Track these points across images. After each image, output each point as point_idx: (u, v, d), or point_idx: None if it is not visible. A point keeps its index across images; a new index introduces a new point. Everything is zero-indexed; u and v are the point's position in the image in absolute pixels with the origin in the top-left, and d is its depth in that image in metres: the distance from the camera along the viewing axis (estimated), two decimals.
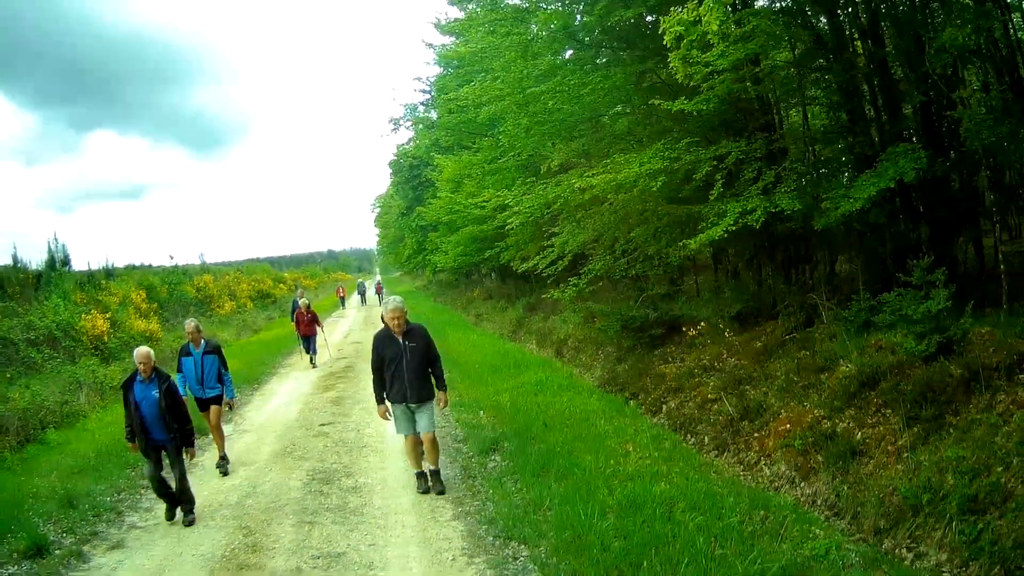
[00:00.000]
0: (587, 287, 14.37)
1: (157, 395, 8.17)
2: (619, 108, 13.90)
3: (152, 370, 8.23)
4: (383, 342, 8.57)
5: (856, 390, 8.34)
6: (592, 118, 13.27)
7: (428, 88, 35.46)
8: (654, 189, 10.39)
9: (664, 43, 8.31)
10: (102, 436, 12.36)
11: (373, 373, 8.77)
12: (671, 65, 8.63)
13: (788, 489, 7.87)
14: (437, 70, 31.95)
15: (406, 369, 8.38)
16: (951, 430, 6.96)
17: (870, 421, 7.97)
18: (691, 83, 9.30)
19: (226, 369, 10.63)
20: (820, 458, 7.82)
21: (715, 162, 10.26)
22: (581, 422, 10.48)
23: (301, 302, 20.67)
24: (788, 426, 8.52)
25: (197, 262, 55.55)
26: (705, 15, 7.30)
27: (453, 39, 25.92)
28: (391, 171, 51.42)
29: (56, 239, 40.67)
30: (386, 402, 8.60)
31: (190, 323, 10.62)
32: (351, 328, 31.56)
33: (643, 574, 5.62)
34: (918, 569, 5.97)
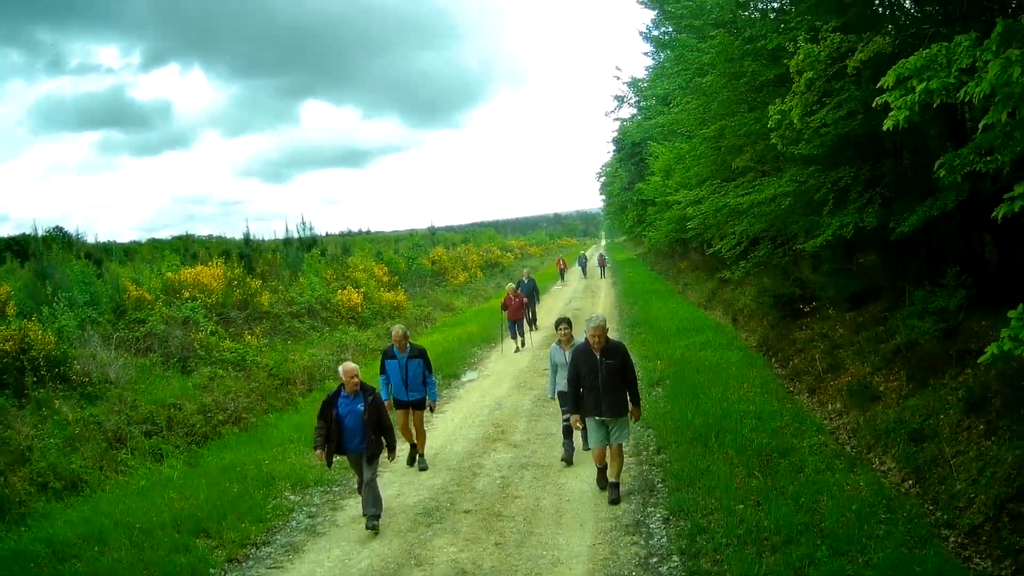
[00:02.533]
0: (755, 268, 18.64)
1: (362, 408, 8.75)
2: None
3: (358, 384, 8.84)
4: (581, 357, 9.07)
5: (891, 357, 12.08)
6: (747, 145, 17.02)
7: (650, 68, 35.74)
8: (783, 207, 14.44)
9: (769, 124, 12.32)
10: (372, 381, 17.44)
11: (569, 385, 9.29)
12: (772, 140, 12.71)
13: (833, 419, 11.84)
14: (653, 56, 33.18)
15: (601, 385, 8.84)
16: (930, 387, 10.42)
17: (892, 378, 11.54)
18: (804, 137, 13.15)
19: (431, 372, 11.22)
20: (854, 401, 11.81)
21: (831, 185, 13.80)
22: (723, 369, 14.88)
23: (509, 287, 21.41)
24: (849, 378, 12.54)
25: (425, 228, 60.79)
26: (792, 108, 11.32)
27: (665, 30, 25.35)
28: (614, 147, 55.12)
29: (304, 221, 47.06)
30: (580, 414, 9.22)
31: (398, 330, 11.26)
32: (573, 295, 36.22)
33: (707, 434, 10.50)
34: (876, 470, 9.28)
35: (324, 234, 37.96)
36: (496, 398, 14.91)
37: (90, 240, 31.65)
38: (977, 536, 7.17)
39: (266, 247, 33.51)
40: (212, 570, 7.81)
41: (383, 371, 11.08)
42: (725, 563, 6.91)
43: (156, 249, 34.23)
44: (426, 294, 34.00)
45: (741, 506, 8.04)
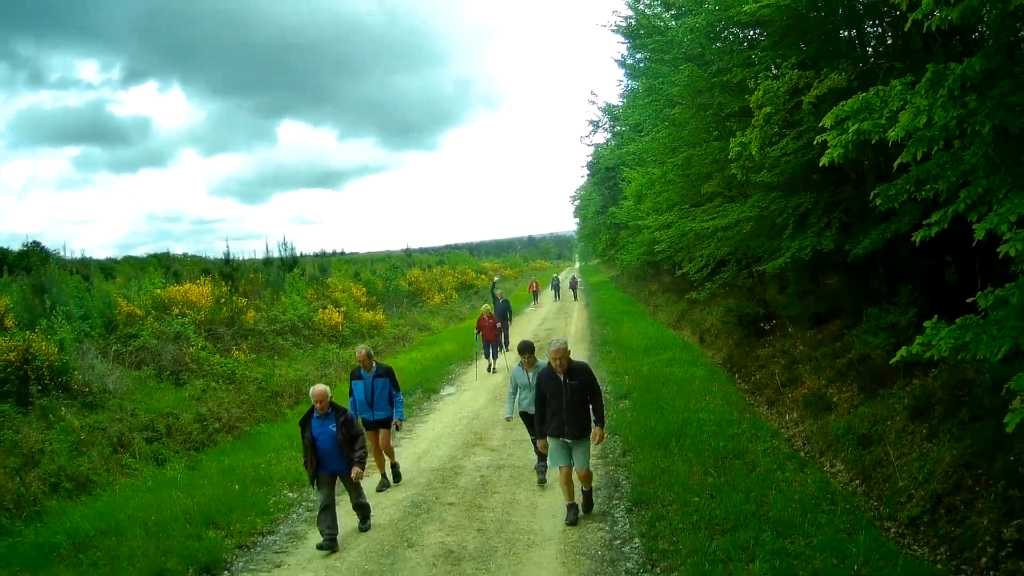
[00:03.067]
0: (721, 288, 19.72)
1: (335, 429, 8.85)
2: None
3: (329, 406, 8.97)
4: (545, 380, 9.12)
5: (845, 370, 13.02)
6: (715, 172, 17.92)
7: (623, 94, 36.70)
8: (745, 231, 15.43)
9: (729, 155, 13.31)
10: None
11: (536, 408, 9.39)
12: (733, 170, 13.72)
13: (789, 427, 12.78)
14: (626, 83, 34.17)
15: (565, 407, 8.89)
16: (879, 397, 11.40)
17: (845, 390, 12.50)
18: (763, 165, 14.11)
19: (397, 390, 11.26)
20: (809, 411, 12.76)
21: (791, 210, 14.68)
22: (688, 383, 15.85)
23: (484, 308, 21.59)
24: (805, 391, 13.50)
25: (399, 249, 61.62)
26: (751, 141, 12.31)
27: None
28: (588, 171, 56.36)
29: (285, 240, 47.76)
30: (546, 438, 9.24)
31: (361, 350, 11.33)
32: (546, 316, 37.26)
33: (668, 439, 11.46)
34: (826, 472, 10.22)
35: (299, 254, 38.33)
36: (474, 410, 15.80)
37: (66, 256, 31.71)
38: (916, 527, 8.04)
39: (246, 266, 34.00)
40: (225, 554, 8.67)
41: (351, 392, 11.15)
42: (680, 544, 7.84)
43: (135, 266, 34.47)
44: (403, 314, 34.77)
45: (696, 498, 8.95)
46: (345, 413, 9.13)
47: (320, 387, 9.07)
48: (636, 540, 8.36)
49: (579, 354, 21.36)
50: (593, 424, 9.09)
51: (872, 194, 8.17)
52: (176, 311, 21.46)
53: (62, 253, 30.94)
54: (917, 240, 6.65)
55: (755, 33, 15.33)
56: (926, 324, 6.18)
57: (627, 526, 8.85)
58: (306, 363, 21.50)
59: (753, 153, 12.31)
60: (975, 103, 5.87)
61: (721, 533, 7.94)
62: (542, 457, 10.37)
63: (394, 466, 11.38)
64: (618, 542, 8.43)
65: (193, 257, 39.70)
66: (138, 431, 13.75)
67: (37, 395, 14.01)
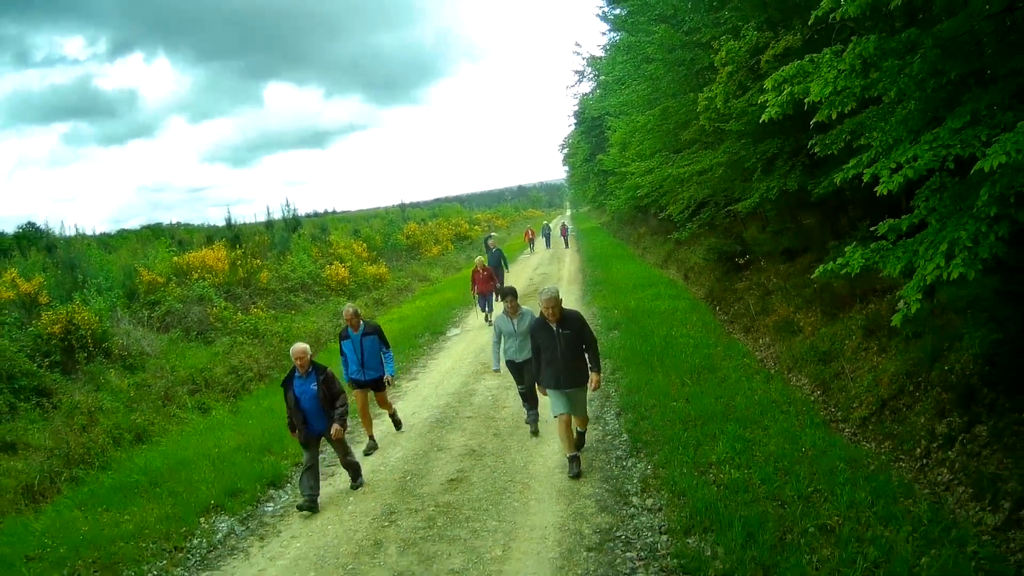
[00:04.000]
0: (701, 228, 21.28)
1: (315, 387, 8.89)
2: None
3: (309, 364, 8.99)
4: (538, 330, 9.16)
5: (811, 298, 14.50)
6: (692, 122, 19.27)
7: (606, 47, 36.86)
8: (718, 175, 16.92)
9: (698, 109, 14.73)
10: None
11: (533, 358, 9.47)
12: (700, 120, 15.19)
13: (762, 350, 14.26)
14: (610, 36, 34.55)
15: (560, 356, 8.93)
16: (839, 320, 12.79)
17: (810, 315, 13.84)
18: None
19: (387, 347, 11.15)
20: (779, 335, 14.27)
21: (759, 156, 16.13)
22: (671, 315, 17.57)
23: (478, 260, 21.17)
24: (776, 318, 15.06)
25: (391, 205, 62.54)
26: (716, 96, 13.71)
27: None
28: (575, 120, 57.40)
29: (288, 204, 48.86)
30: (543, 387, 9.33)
31: (348, 309, 11.22)
32: (540, 262, 38.84)
33: (652, 359, 13.15)
34: (792, 385, 11.54)
35: (272, 219, 39.57)
36: (479, 346, 17.36)
37: (59, 234, 32.23)
38: (865, 426, 9.48)
39: (248, 230, 35.55)
40: (285, 471, 10.38)
41: (342, 353, 11.10)
42: (659, 435, 9.60)
43: (137, 239, 35.58)
44: (403, 267, 36.43)
45: (674, 403, 10.69)
46: (325, 371, 9.09)
47: (300, 345, 9.11)
48: (624, 435, 10.08)
49: (572, 294, 23.50)
50: (589, 371, 9.17)
51: (810, 143, 9.63)
52: (195, 275, 22.94)
53: (57, 232, 31.70)
54: (837, 181, 8.06)
55: None
56: (846, 248, 7.65)
57: (616, 426, 10.56)
58: (320, 316, 23.03)
59: (719, 106, 13.66)
60: (876, 74, 7.31)
61: (693, 427, 9.62)
62: (531, 406, 10.83)
63: (393, 415, 11.58)
64: (609, 437, 10.18)
65: (187, 225, 41.18)
66: (180, 385, 15.37)
67: (84, 362, 15.50)
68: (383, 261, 34.22)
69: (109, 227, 31.43)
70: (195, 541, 8.43)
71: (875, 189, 6.74)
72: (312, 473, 8.91)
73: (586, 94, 50.16)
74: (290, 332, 19.70)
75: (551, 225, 60.74)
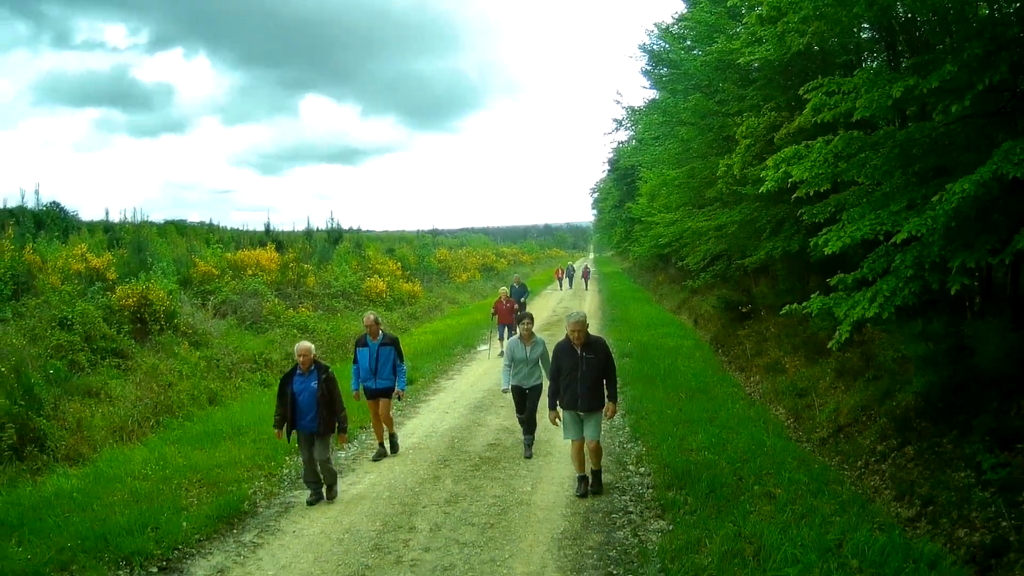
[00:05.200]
0: (713, 279, 23.62)
1: (316, 385, 9.05)
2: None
3: (312, 363, 9.18)
4: (562, 352, 9.24)
5: (799, 345, 16.60)
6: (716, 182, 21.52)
7: (645, 101, 37.85)
8: (731, 232, 19.15)
9: (718, 173, 16.94)
10: (407, 347, 22.46)
11: (551, 381, 9.45)
12: (714, 188, 17.47)
13: (752, 386, 16.34)
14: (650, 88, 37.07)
15: (580, 379, 9.03)
16: (817, 364, 14.98)
17: (796, 359, 15.87)
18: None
19: (401, 360, 11.37)
20: (768, 374, 16.41)
21: (769, 218, 18.24)
22: (677, 350, 19.88)
23: (502, 291, 22.04)
24: (767, 359, 17.21)
25: (415, 229, 64.39)
26: (734, 164, 15.91)
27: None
28: (609, 167, 59.61)
29: (332, 217, 51.07)
30: (557, 408, 9.35)
31: (369, 316, 11.45)
32: (562, 298, 41.58)
33: (655, 379, 15.45)
34: (769, 412, 13.88)
35: (313, 229, 41.86)
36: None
37: (83, 218, 34.02)
38: (823, 445, 11.58)
39: (286, 238, 37.91)
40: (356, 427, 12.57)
41: (355, 360, 11.31)
42: (654, 429, 11.94)
43: (163, 233, 36.17)
44: (433, 288, 38.61)
45: (669, 411, 13.00)
46: (327, 370, 9.32)
47: (305, 344, 9.35)
48: (627, 428, 12.42)
49: (591, 327, 25.31)
50: (606, 398, 9.27)
51: (799, 212, 11.83)
52: (250, 272, 25.28)
53: (80, 215, 33.49)
54: (826, 251, 9.96)
55: (752, 73, 18.52)
56: (812, 296, 9.77)
57: (621, 422, 12.78)
58: (360, 321, 25.21)
59: (735, 173, 15.82)
60: (844, 165, 9.56)
61: (682, 426, 11.95)
62: (528, 431, 11.26)
63: (392, 436, 11.56)
64: (615, 429, 12.37)
65: (210, 225, 43.22)
66: (242, 363, 17.55)
67: (156, 333, 17.64)
68: (417, 280, 36.29)
69: (130, 217, 32.66)
70: (285, 471, 10.64)
71: (825, 251, 8.98)
72: (313, 469, 9.31)
73: (622, 142, 50.98)
74: (337, 331, 21.89)
75: (575, 266, 62.64)
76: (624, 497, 9.26)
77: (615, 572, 7.19)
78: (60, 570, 7.19)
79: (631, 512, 8.78)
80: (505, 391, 11.54)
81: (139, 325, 17.57)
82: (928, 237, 7.87)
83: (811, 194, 10.08)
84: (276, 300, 23.66)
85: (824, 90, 9.38)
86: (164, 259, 23.98)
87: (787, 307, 10.27)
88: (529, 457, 11.00)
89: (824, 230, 9.56)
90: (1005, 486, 7.59)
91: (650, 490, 9.39)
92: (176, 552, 7.82)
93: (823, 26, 9.97)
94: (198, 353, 17.31)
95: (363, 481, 10.22)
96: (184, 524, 8.29)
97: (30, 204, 30.54)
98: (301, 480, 9.84)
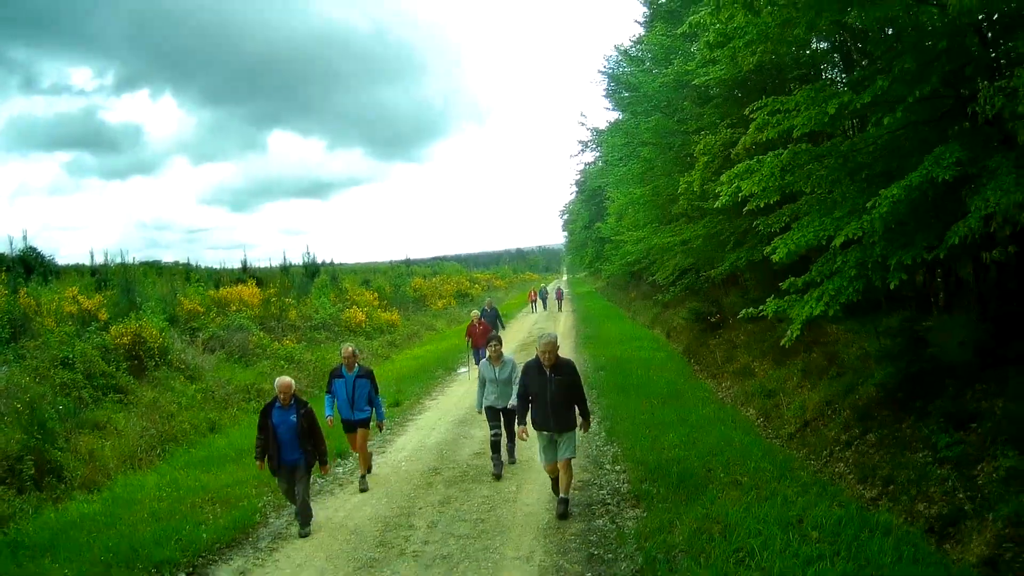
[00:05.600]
0: (682, 292, 24.48)
1: (295, 419, 9.15)
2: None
3: (291, 397, 9.29)
4: (530, 372, 9.28)
5: (767, 350, 17.31)
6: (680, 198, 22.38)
7: (609, 123, 38.21)
8: (696, 245, 19.96)
9: (679, 190, 17.77)
10: (385, 375, 21.62)
11: (519, 400, 9.54)
12: (679, 204, 18.28)
13: (723, 391, 17.09)
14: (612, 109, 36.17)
15: (549, 401, 9.04)
16: (785, 366, 15.73)
17: (764, 363, 16.63)
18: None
19: (377, 393, 11.48)
20: (738, 379, 17.18)
21: (732, 231, 19.09)
22: (650, 362, 20.63)
23: (474, 314, 21.70)
24: (737, 365, 18.02)
25: (389, 260, 65.21)
26: (694, 181, 16.71)
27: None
28: (576, 188, 60.65)
29: (309, 252, 51.68)
30: (527, 424, 9.44)
31: (347, 348, 11.54)
32: (537, 320, 42.26)
33: (629, 389, 16.19)
34: (739, 413, 14.70)
35: (289, 264, 42.41)
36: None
37: (59, 262, 33.18)
38: (791, 439, 12.27)
39: (263, 274, 38.42)
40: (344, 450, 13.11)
41: (329, 390, 11.38)
42: (629, 433, 12.66)
43: (148, 271, 36.83)
44: (410, 316, 39.31)
45: (643, 416, 13.73)
46: (306, 405, 9.45)
47: (285, 379, 9.46)
48: (603, 433, 13.16)
49: (566, 346, 26.15)
50: (579, 416, 9.34)
51: (754, 223, 12.64)
52: (234, 307, 25.95)
53: (55, 259, 32.56)
54: (774, 258, 10.67)
55: (710, 90, 19.12)
56: (767, 299, 10.54)
57: (597, 428, 13.45)
58: (332, 352, 25.93)
59: (695, 189, 16.57)
60: (791, 178, 10.35)
61: (654, 428, 12.67)
62: (496, 448, 11.35)
63: (362, 477, 11.43)
64: (591, 435, 12.88)
65: (186, 264, 41.96)
66: (235, 394, 18.20)
67: (152, 369, 18.24)
68: (395, 309, 36.95)
69: (105, 259, 32.65)
70: None
71: (773, 258, 9.82)
72: (293, 498, 9.40)
73: (589, 163, 53.05)
74: (322, 361, 22.44)
75: (548, 288, 63.03)
76: (602, 492, 10.04)
77: (596, 553, 8.00)
78: None
79: (608, 503, 9.55)
80: (480, 412, 11.85)
81: (135, 362, 18.08)
82: (868, 239, 8.70)
83: (761, 206, 10.80)
84: (261, 334, 24.28)
85: (768, 110, 10.09)
86: (152, 298, 24.54)
87: (744, 311, 11.02)
88: (499, 477, 11.07)
89: (777, 239, 10.32)
90: (960, 462, 8.28)
91: (625, 484, 10.15)
92: (200, 559, 8.55)
93: (770, 47, 10.86)
94: (193, 386, 17.90)
95: (360, 493, 10.97)
96: (204, 535, 9.01)
97: (17, 247, 30.85)
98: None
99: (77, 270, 33.54)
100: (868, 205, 8.50)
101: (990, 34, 9.22)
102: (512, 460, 11.61)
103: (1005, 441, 8.00)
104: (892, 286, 8.79)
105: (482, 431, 13.48)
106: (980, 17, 8.77)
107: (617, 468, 11.01)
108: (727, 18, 10.16)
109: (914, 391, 10.26)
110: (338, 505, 10.50)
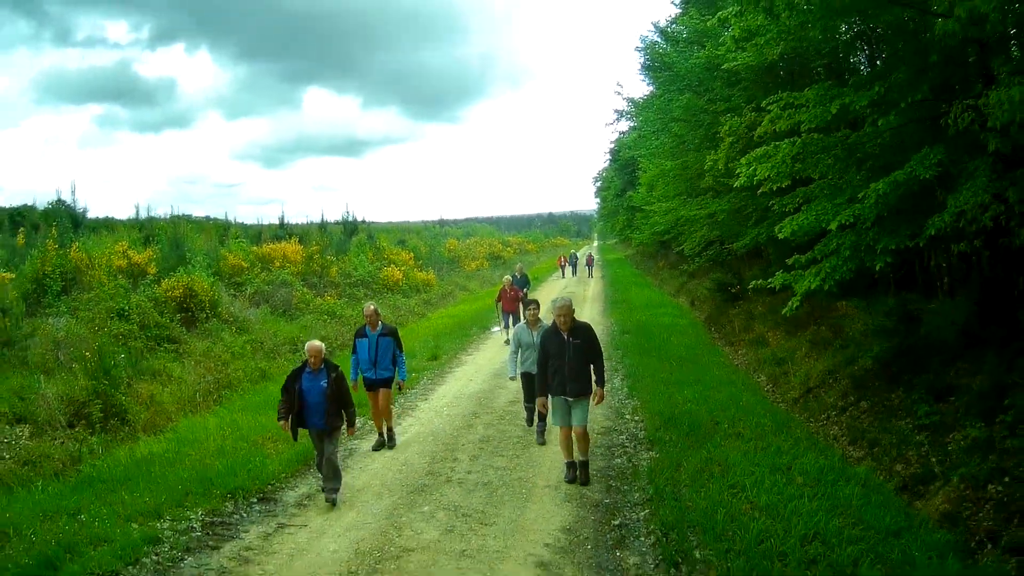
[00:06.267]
0: (707, 263, 25.66)
1: (325, 384, 8.95)
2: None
3: (321, 362, 9.07)
4: (548, 338, 9.27)
5: (780, 321, 18.36)
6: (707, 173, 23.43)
7: (644, 95, 38.42)
8: (721, 219, 21.06)
9: (706, 166, 18.83)
10: (422, 331, 24.07)
11: (539, 369, 9.44)
12: (705, 179, 19.36)
13: (739, 357, 18.32)
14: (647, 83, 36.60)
15: (567, 365, 9.06)
16: (796, 337, 16.93)
17: (777, 334, 17.79)
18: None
19: (401, 351, 11.29)
20: (753, 347, 18.35)
21: (755, 206, 20.13)
22: (672, 328, 22.03)
23: (506, 279, 21.95)
24: (753, 335, 19.21)
25: (421, 220, 65.90)
26: (719, 159, 17.75)
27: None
28: (610, 156, 61.07)
29: (348, 211, 52.51)
30: (548, 396, 9.35)
31: (369, 306, 11.44)
32: (567, 284, 43.65)
33: (651, 350, 17.62)
34: (751, 378, 16.09)
35: (326, 221, 44.25)
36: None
37: (90, 215, 34.37)
38: (794, 404, 13.48)
39: (301, 231, 39.62)
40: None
41: (354, 350, 11.25)
42: (648, 389, 14.09)
43: (190, 227, 37.01)
44: (444, 276, 40.62)
45: (662, 375, 15.15)
46: (337, 369, 9.20)
47: (315, 343, 9.24)
48: (625, 389, 14.56)
49: (595, 310, 27.90)
50: (594, 384, 9.34)
51: (770, 203, 13.74)
52: (277, 264, 27.31)
53: (87, 212, 33.92)
54: (780, 235, 11.84)
55: (740, 73, 19.96)
56: (776, 273, 11.70)
57: (620, 384, 14.95)
58: (382, 306, 27.16)
59: (720, 167, 17.60)
60: (800, 165, 11.45)
61: (671, 386, 14.05)
62: (541, 417, 10.91)
63: (389, 430, 11.45)
64: (615, 389, 14.37)
65: (215, 220, 44.53)
66: (281, 345, 19.52)
67: (203, 321, 19.56)
68: (430, 269, 38.28)
69: (135, 213, 33.40)
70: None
71: (779, 235, 11.01)
72: (330, 463, 9.19)
73: (623, 133, 52.07)
74: (362, 317, 23.80)
75: (578, 254, 63.69)
76: (621, 437, 11.44)
77: (614, 484, 9.41)
78: (176, 506, 8.93)
79: (627, 447, 10.93)
80: (512, 378, 12.07)
81: (187, 314, 19.41)
82: (861, 225, 9.91)
83: (774, 189, 11.91)
84: (304, 289, 25.64)
85: (781, 103, 11.24)
86: (198, 253, 25.87)
87: (754, 282, 12.24)
88: (543, 444, 11.11)
89: (787, 219, 11.48)
90: (935, 430, 9.40)
91: (642, 432, 11.53)
92: (269, 487, 9.77)
93: (791, 42, 11.92)
94: (242, 338, 19.19)
95: (409, 431, 12.32)
96: (271, 467, 10.27)
97: (65, 202, 32.11)
98: (360, 439, 11.74)
99: (108, 225, 35.15)
100: (860, 196, 9.68)
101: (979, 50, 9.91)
102: (541, 441, 11.24)
103: (976, 414, 9.04)
104: (878, 267, 10.03)
105: (517, 383, 13.85)
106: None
107: (636, 418, 12.37)
108: (750, 18, 11.29)
109: (905, 365, 11.37)
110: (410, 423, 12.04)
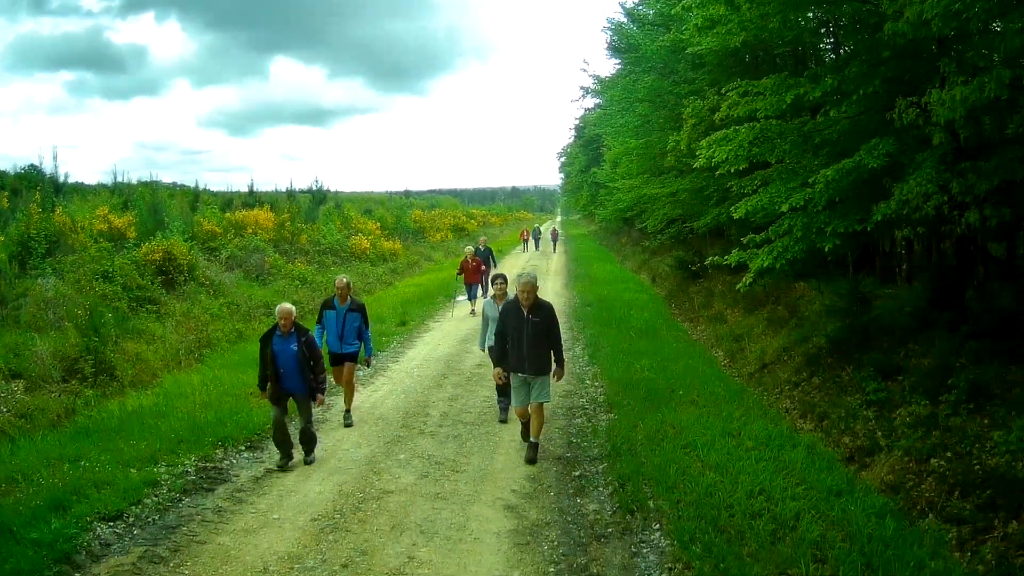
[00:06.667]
0: (669, 240, 26.41)
1: (296, 348, 8.92)
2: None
3: (292, 325, 8.98)
4: (509, 313, 9.22)
5: (739, 298, 18.87)
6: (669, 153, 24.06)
7: (611, 73, 38.35)
8: (682, 199, 21.76)
9: (668, 147, 19.49)
10: (390, 299, 24.44)
11: (495, 339, 9.58)
12: (668, 159, 20.00)
13: (698, 333, 18.98)
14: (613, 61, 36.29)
15: (526, 342, 9.00)
16: (753, 314, 17.61)
17: (736, 311, 18.40)
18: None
19: (367, 327, 11.25)
20: (712, 324, 19.05)
21: (715, 186, 20.66)
22: (633, 303, 22.59)
23: (468, 250, 22.45)
24: (712, 311, 19.92)
25: (386, 191, 65.97)
26: (682, 140, 18.40)
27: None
28: (575, 132, 61.69)
29: (317, 180, 52.71)
30: (504, 369, 9.42)
31: (342, 279, 11.35)
32: (530, 258, 44.43)
33: (611, 323, 18.44)
34: (709, 356, 16.80)
35: (294, 190, 44.63)
36: (479, 308, 22.17)
37: (61, 180, 33.27)
38: (750, 379, 14.03)
39: (269, 199, 39.99)
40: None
41: (320, 321, 11.17)
42: (607, 357, 14.83)
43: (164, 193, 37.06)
44: (410, 247, 40.99)
45: (622, 345, 15.88)
46: (307, 333, 9.20)
47: (286, 305, 9.19)
48: (585, 357, 15.33)
49: (558, 283, 28.68)
50: (554, 362, 9.35)
51: (729, 184, 14.39)
52: (250, 230, 27.75)
53: (59, 177, 32.96)
54: (735, 215, 12.59)
55: (704, 57, 20.35)
56: (733, 251, 12.45)
57: (582, 351, 15.76)
58: (350, 274, 27.68)
59: (683, 148, 18.13)
60: (757, 149, 12.11)
61: (630, 356, 14.79)
62: (504, 393, 10.70)
63: (347, 412, 11.27)
64: (576, 357, 15.16)
65: (183, 187, 44.05)
66: (256, 308, 19.99)
67: (181, 283, 19.96)
68: (396, 239, 38.73)
69: (104, 179, 33.35)
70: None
71: (734, 216, 11.72)
72: (282, 430, 9.13)
73: (589, 109, 52.37)
74: (332, 283, 24.32)
75: (541, 228, 64.58)
76: (582, 400, 12.20)
77: (574, 441, 10.20)
78: (170, 453, 9.43)
79: (587, 409, 11.70)
80: (483, 351, 11.85)
81: (165, 276, 19.72)
82: (812, 208, 10.59)
83: (732, 171, 12.57)
84: (276, 255, 26.09)
85: (740, 91, 11.88)
86: (175, 219, 26.22)
87: (711, 259, 12.95)
88: (504, 421, 11.01)
89: (743, 199, 12.20)
90: (883, 406, 9.94)
91: (602, 395, 12.31)
92: (256, 436, 10.38)
93: (753, 31, 12.53)
94: (219, 301, 19.65)
95: (382, 389, 13.07)
96: (256, 419, 10.83)
97: (47, 168, 32.05)
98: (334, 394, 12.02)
99: (79, 190, 35.10)
100: (811, 180, 10.37)
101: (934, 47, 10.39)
102: (503, 419, 11.12)
103: (922, 392, 9.55)
104: (827, 248, 10.68)
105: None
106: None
107: (596, 384, 13.13)
108: (712, 8, 11.97)
109: (856, 344, 11.98)
110: (363, 399, 12.28)
